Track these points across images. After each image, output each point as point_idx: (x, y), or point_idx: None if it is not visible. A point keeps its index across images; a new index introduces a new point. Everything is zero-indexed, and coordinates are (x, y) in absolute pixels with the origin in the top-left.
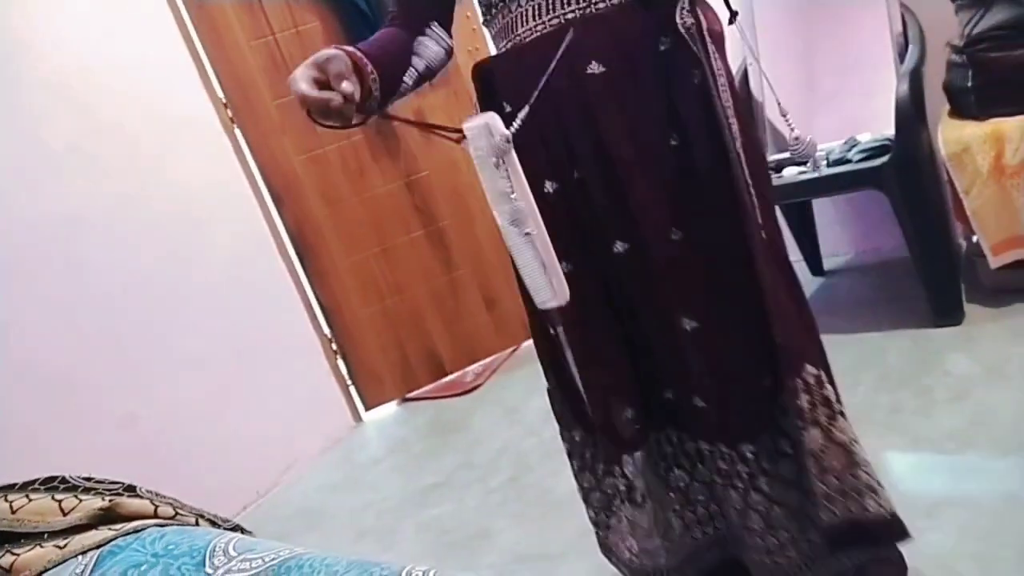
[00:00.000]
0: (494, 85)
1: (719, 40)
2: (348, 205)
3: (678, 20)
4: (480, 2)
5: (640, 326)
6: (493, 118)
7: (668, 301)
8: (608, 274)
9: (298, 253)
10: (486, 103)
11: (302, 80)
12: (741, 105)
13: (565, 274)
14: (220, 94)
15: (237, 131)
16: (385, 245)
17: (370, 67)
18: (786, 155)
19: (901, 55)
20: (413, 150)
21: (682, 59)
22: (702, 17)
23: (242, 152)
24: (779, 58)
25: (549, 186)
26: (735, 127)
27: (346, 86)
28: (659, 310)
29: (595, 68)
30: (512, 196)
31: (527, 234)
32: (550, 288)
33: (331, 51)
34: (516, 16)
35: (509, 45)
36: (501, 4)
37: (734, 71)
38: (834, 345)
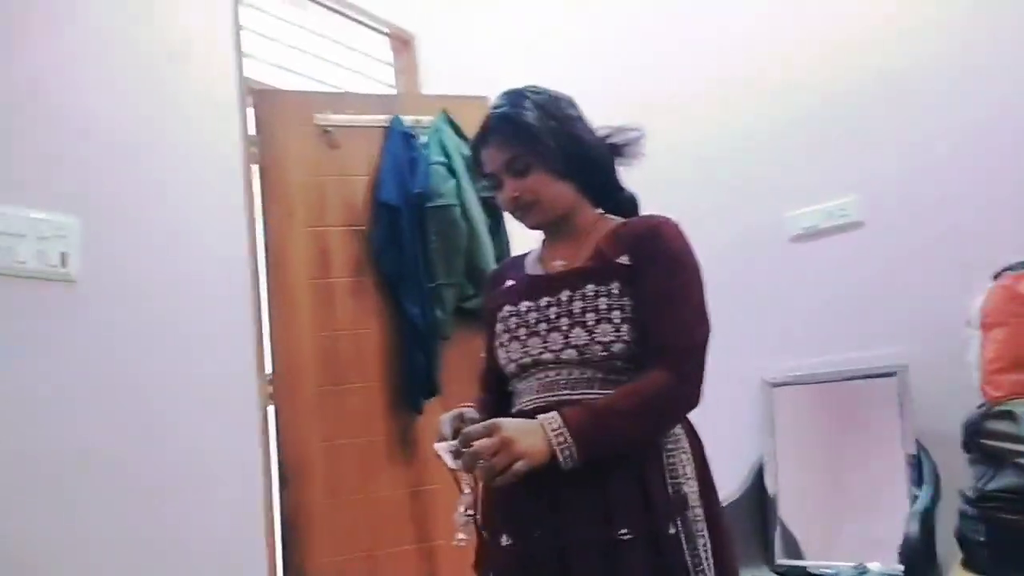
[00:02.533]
0: None
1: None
2: (349, 502)
3: None
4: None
5: None
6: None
7: None
8: None
9: (284, 543)
10: None
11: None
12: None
13: None
14: (268, 370)
15: (271, 408)
16: (375, 552)
17: None
18: (795, 562)
19: (916, 484)
20: (428, 459)
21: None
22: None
23: (267, 430)
24: (802, 459)
25: (505, 539)
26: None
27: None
28: None
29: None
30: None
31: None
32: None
33: (470, 413)
34: (524, 388)
35: (516, 409)
36: (515, 381)
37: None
38: None
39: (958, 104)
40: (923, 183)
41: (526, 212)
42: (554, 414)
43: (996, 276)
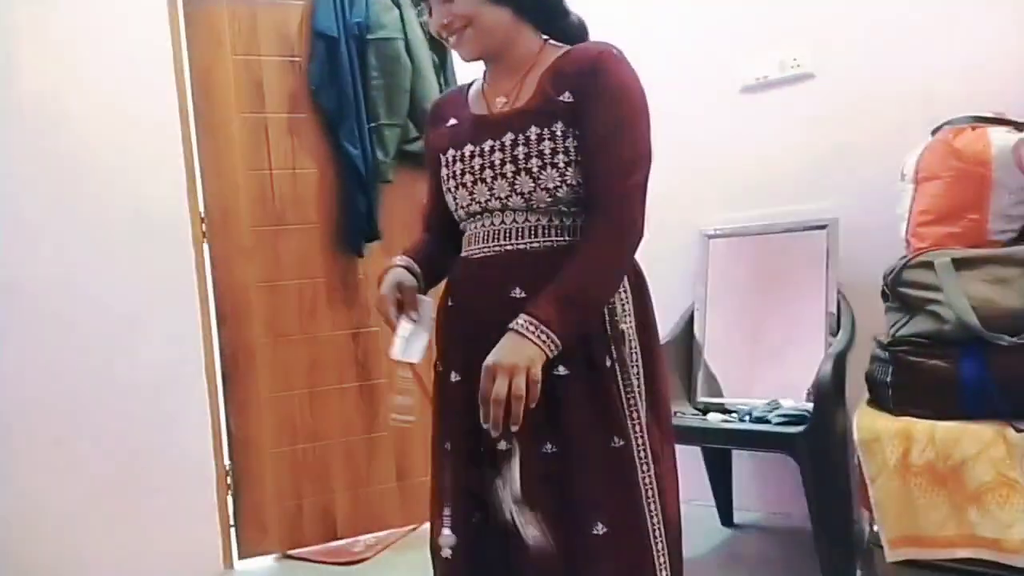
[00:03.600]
0: (452, 281)
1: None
2: (290, 341)
3: None
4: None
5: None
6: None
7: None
8: (489, 472)
9: (224, 376)
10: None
11: (391, 301)
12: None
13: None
14: (201, 209)
15: (206, 245)
16: (315, 388)
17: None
18: (715, 400)
19: (835, 333)
20: (368, 303)
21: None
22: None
23: (203, 267)
24: (730, 306)
25: (454, 376)
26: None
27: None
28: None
29: (518, 293)
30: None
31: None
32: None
33: (408, 280)
34: (473, 235)
35: (466, 254)
36: (465, 224)
37: (682, 311)
38: None
39: None
40: (873, 39)
41: (459, 40)
42: (524, 319)
43: (935, 132)
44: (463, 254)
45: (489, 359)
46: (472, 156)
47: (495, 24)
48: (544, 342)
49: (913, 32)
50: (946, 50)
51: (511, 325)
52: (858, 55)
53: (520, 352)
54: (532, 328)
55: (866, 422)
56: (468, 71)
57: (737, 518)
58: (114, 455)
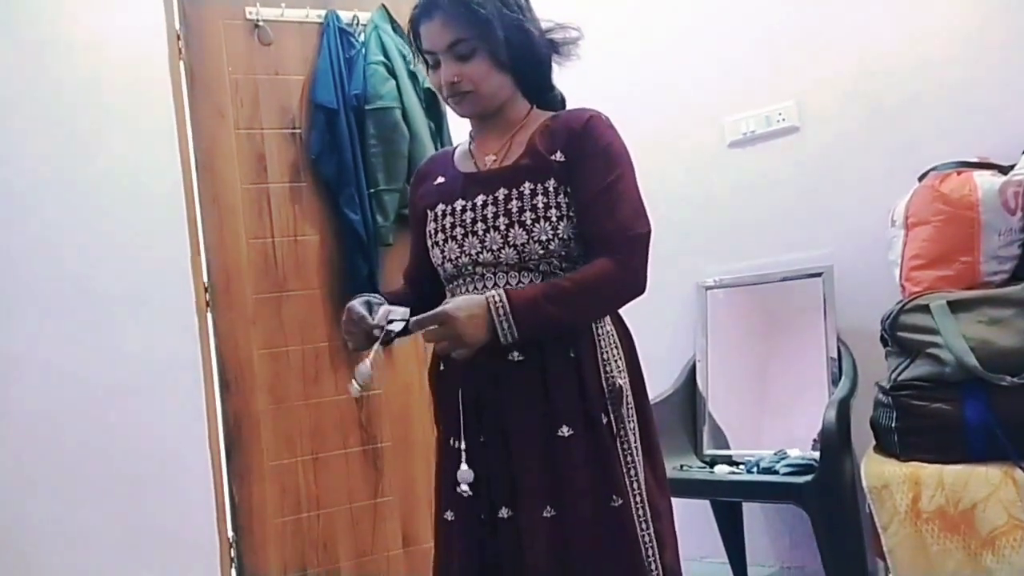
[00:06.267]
0: None
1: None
2: (293, 407)
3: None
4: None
5: None
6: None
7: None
8: (490, 542)
9: (227, 445)
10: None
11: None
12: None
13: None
14: (205, 279)
15: (209, 315)
16: (318, 455)
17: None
18: (722, 452)
19: (837, 380)
20: (373, 363)
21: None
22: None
23: (207, 335)
24: (731, 357)
25: (454, 442)
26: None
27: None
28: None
29: (515, 356)
30: None
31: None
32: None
33: (376, 297)
34: (462, 293)
35: None
36: (451, 285)
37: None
38: None
39: (892, 13)
40: (857, 90)
41: (462, 99)
42: (502, 296)
43: (921, 177)
44: None
45: (451, 310)
46: (464, 210)
47: (498, 88)
48: (503, 333)
49: (893, 82)
50: (929, 99)
51: (488, 296)
52: (840, 107)
53: (477, 332)
54: (502, 314)
55: (874, 469)
56: (464, 136)
57: (751, 573)
58: (116, 525)
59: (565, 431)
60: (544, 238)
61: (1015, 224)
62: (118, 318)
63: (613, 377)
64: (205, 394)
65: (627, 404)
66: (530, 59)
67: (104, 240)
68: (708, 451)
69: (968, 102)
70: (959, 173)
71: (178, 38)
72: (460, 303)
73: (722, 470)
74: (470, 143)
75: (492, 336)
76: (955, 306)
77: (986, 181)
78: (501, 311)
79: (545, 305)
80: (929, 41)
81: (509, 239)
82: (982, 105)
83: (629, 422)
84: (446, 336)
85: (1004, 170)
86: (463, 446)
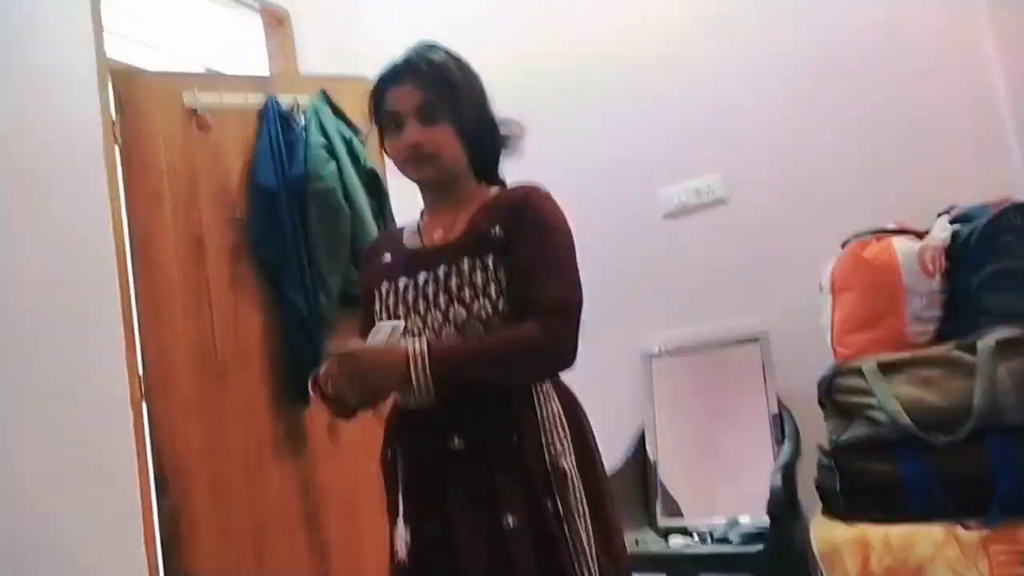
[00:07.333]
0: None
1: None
2: (235, 501)
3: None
4: None
5: None
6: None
7: None
8: None
9: (165, 548)
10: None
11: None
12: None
13: None
14: (140, 369)
15: (144, 405)
16: (263, 550)
17: None
18: (675, 522)
19: (780, 442)
20: (319, 452)
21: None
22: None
23: (141, 429)
24: (679, 424)
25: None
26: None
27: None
28: None
29: (456, 444)
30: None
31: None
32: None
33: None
34: None
35: (402, 404)
36: None
37: (632, 432)
38: None
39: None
40: (779, 162)
41: (420, 163)
42: (424, 348)
43: (844, 244)
44: (399, 403)
45: (363, 351)
46: (407, 288)
47: (458, 157)
48: (418, 385)
49: (812, 154)
50: (846, 167)
51: (409, 345)
52: (764, 179)
53: (390, 376)
54: (420, 365)
55: (823, 534)
56: (405, 214)
57: None
58: None
59: (511, 521)
60: (483, 316)
61: (935, 287)
62: (53, 410)
63: (557, 458)
64: (140, 491)
65: (573, 486)
66: (488, 140)
67: (30, 331)
68: (662, 522)
69: (884, 169)
70: (879, 239)
71: (112, 124)
72: (374, 347)
73: (677, 542)
74: (420, 220)
75: (404, 385)
76: (886, 368)
77: (904, 246)
78: (420, 363)
79: (465, 364)
80: (843, 117)
81: (449, 316)
82: (898, 172)
83: (578, 505)
84: (346, 375)
85: (920, 235)
86: (408, 538)
